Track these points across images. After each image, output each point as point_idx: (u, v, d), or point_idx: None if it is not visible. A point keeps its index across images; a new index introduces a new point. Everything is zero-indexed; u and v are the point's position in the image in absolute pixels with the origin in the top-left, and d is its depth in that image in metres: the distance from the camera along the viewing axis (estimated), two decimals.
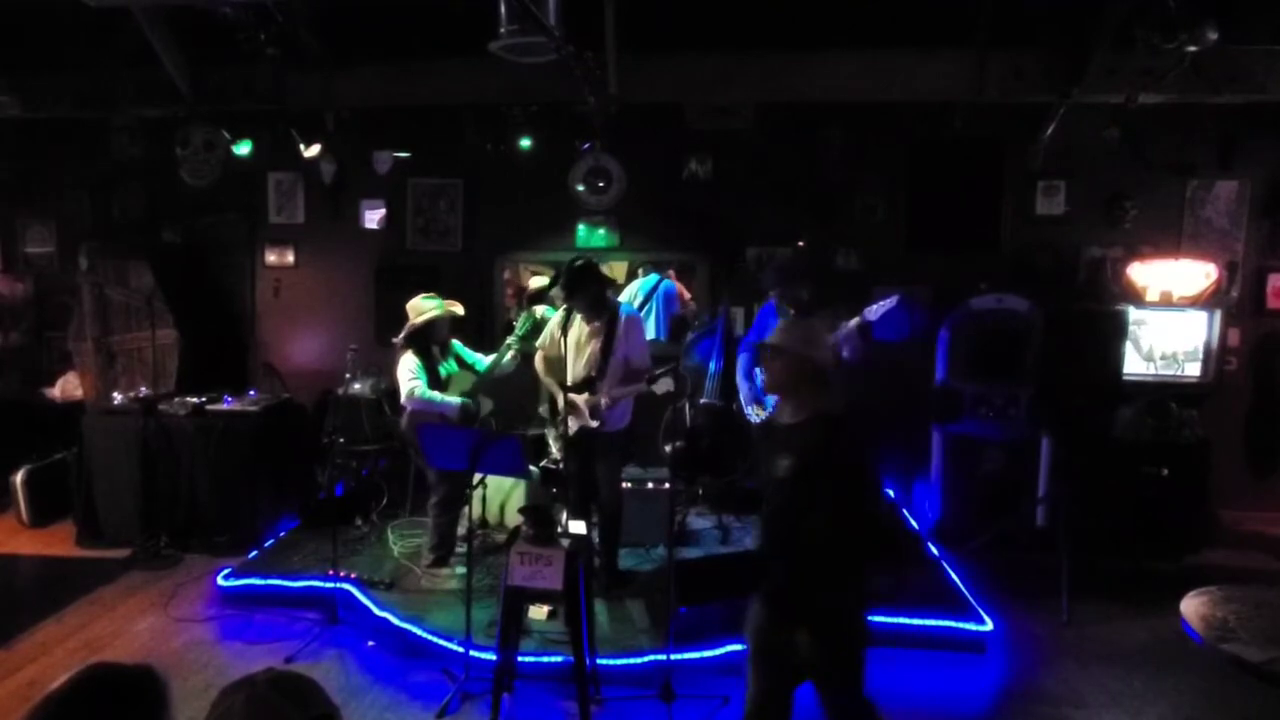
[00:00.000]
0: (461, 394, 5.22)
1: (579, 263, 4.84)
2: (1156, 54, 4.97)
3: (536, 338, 5.32)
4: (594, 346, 4.89)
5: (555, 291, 5.38)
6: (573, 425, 4.85)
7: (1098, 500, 5.56)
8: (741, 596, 4.55)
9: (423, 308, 5.17)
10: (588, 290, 4.80)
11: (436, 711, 3.95)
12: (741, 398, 5.56)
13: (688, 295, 7.46)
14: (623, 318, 4.92)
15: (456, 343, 5.44)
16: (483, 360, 5.43)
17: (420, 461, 5.28)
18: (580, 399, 4.84)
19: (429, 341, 5.19)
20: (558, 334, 4.88)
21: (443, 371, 5.24)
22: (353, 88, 6.39)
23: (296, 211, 7.50)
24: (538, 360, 5.16)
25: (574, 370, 4.87)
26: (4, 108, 6.55)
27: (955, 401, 6.06)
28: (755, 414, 5.46)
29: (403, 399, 5.12)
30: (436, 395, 5.09)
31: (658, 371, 4.72)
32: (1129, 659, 4.51)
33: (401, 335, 5.15)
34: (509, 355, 5.33)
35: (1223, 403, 6.22)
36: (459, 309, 5.36)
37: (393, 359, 5.36)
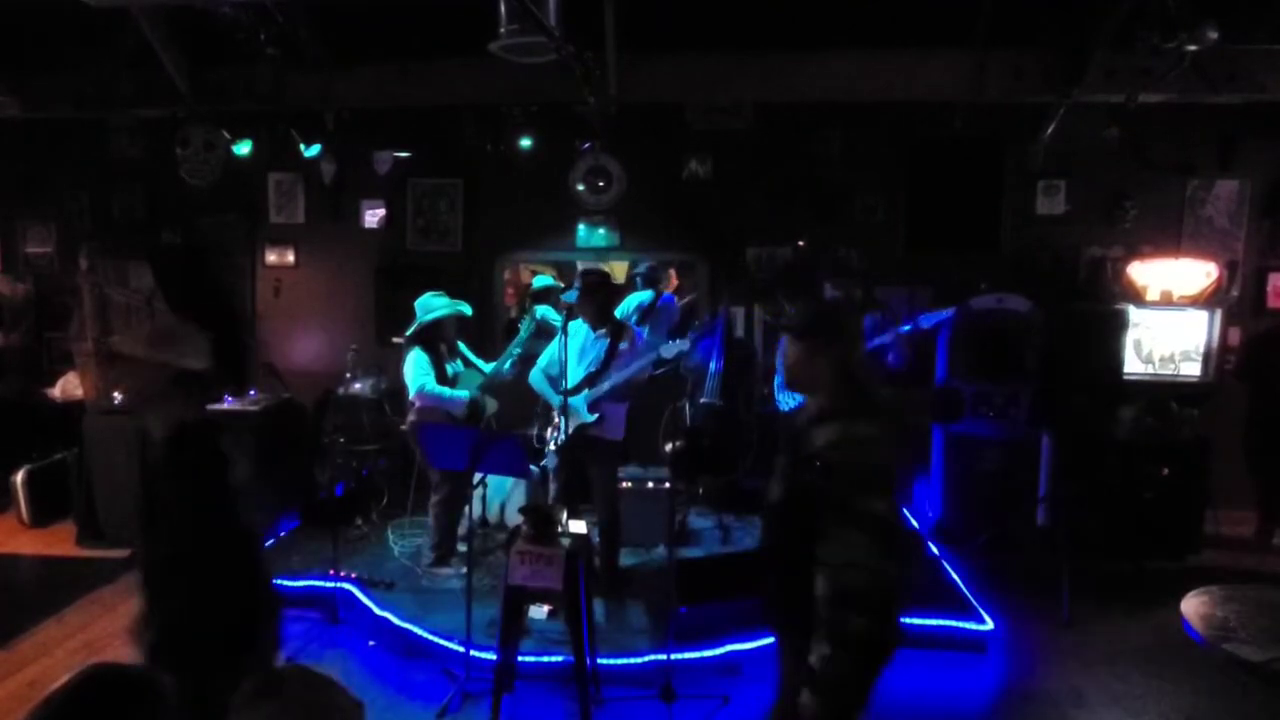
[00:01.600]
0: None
1: (594, 272, 4.94)
2: (1156, 54, 4.97)
3: (538, 338, 5.33)
4: (598, 351, 4.93)
5: (564, 297, 5.40)
6: (570, 426, 4.85)
7: (1098, 500, 5.56)
8: (742, 597, 4.58)
9: (432, 306, 5.15)
10: (596, 298, 4.89)
11: (437, 711, 3.95)
12: (777, 383, 5.55)
13: (686, 288, 7.45)
14: (628, 332, 4.97)
15: (461, 344, 5.43)
16: (485, 365, 5.42)
17: (424, 461, 5.28)
18: (578, 399, 4.85)
19: (437, 340, 5.18)
20: (562, 353, 4.88)
21: (449, 371, 5.22)
22: (352, 88, 6.38)
23: (296, 211, 7.50)
24: (534, 373, 5.14)
25: (574, 375, 4.87)
26: (4, 108, 6.55)
27: (956, 401, 6.05)
28: (789, 400, 5.42)
29: (412, 394, 5.10)
30: (445, 390, 5.09)
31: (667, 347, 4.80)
32: (1130, 659, 4.51)
33: (409, 332, 5.13)
34: (509, 363, 5.32)
35: (1223, 402, 6.21)
36: (467, 308, 5.35)
37: (398, 357, 5.35)
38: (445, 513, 5.24)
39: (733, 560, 5.15)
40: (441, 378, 5.14)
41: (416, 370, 5.06)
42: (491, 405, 5.41)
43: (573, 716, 3.84)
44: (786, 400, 5.45)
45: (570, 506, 4.91)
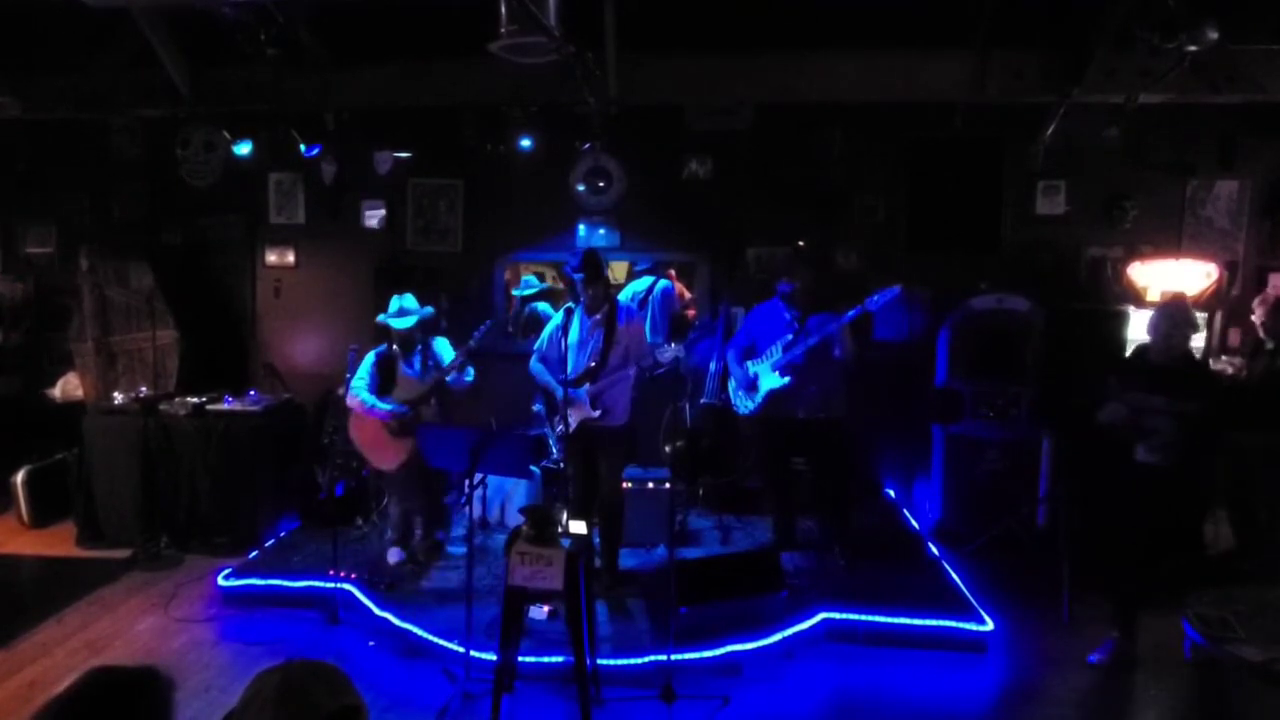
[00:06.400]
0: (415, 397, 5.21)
1: (591, 251, 4.93)
2: (1156, 54, 4.97)
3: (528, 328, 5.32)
4: (596, 339, 4.92)
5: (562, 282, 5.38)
6: (573, 420, 4.85)
7: (1098, 500, 5.55)
8: (742, 597, 4.59)
9: (393, 311, 5.29)
10: (602, 276, 4.89)
11: (437, 712, 3.95)
12: (732, 387, 5.56)
13: (689, 295, 7.45)
14: (623, 311, 4.96)
15: (443, 340, 5.43)
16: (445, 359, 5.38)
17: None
18: (580, 391, 4.86)
19: (386, 341, 5.34)
20: (558, 335, 4.88)
21: (409, 370, 5.29)
22: (353, 88, 6.38)
23: (297, 212, 7.50)
24: (534, 362, 5.15)
25: (575, 366, 4.87)
26: (5, 109, 6.55)
27: (956, 402, 6.06)
28: (745, 403, 5.44)
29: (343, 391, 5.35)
30: (368, 398, 5.22)
31: (662, 352, 4.80)
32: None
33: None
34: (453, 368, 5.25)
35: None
36: (404, 322, 5.25)
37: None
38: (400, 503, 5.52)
39: (733, 561, 5.15)
40: (385, 379, 5.27)
41: (359, 370, 5.29)
42: (470, 374, 5.37)
43: (573, 717, 3.83)
44: (744, 404, 5.47)
45: (584, 506, 4.92)
